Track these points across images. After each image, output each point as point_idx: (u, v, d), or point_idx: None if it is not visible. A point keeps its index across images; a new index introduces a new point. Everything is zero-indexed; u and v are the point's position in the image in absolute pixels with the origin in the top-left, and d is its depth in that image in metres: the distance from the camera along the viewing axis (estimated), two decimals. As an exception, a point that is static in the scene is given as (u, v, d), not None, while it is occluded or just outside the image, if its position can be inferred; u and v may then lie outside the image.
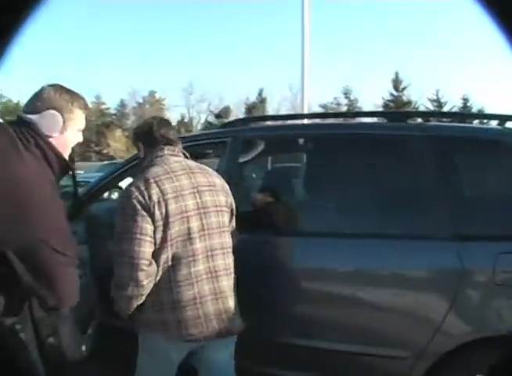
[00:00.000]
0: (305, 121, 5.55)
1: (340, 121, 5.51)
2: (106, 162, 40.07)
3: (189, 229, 3.05)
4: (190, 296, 3.03)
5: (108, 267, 4.48)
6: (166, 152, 3.22)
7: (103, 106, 74.15)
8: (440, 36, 75.08)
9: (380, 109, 56.06)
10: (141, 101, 71.78)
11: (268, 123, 5.29)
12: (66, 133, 2.45)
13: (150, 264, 2.97)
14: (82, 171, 36.73)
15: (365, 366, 3.59)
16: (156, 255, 3.00)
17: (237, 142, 4.11)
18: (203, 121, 71.05)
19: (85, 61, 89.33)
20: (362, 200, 3.91)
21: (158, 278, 3.02)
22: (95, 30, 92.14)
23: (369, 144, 3.97)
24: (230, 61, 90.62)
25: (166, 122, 3.43)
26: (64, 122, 2.42)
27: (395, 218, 3.69)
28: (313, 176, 4.48)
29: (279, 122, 5.54)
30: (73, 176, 4.85)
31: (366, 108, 59.83)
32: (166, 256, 3.00)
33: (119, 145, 61.06)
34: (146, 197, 2.96)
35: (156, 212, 2.95)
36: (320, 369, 3.71)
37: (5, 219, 2.12)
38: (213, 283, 3.10)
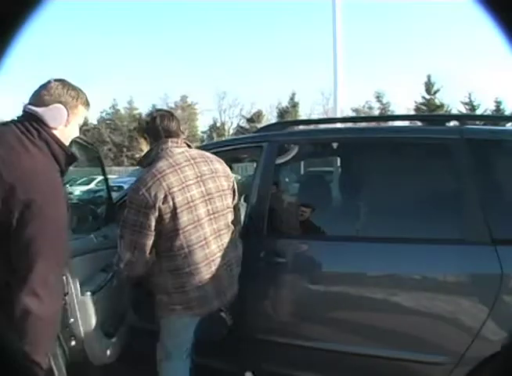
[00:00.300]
0: (339, 125, 5.53)
1: (380, 124, 5.50)
2: (138, 167, 40.42)
3: (197, 216, 3.34)
4: (209, 275, 3.39)
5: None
6: (170, 144, 3.45)
7: (135, 112, 74.68)
8: (472, 38, 74.11)
9: (412, 112, 55.72)
10: (173, 106, 72.12)
11: (304, 127, 5.26)
12: (69, 126, 2.58)
13: (147, 253, 3.31)
14: (115, 176, 37.17)
15: (403, 371, 3.56)
16: (170, 243, 3.31)
17: (273, 147, 4.10)
18: (235, 125, 71.16)
19: (119, 66, 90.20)
20: (399, 204, 3.88)
21: (177, 263, 3.34)
22: (127, 36, 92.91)
23: (408, 148, 3.94)
24: (262, 65, 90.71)
25: (168, 115, 3.62)
26: (68, 116, 2.55)
27: (434, 222, 3.64)
28: (350, 180, 4.46)
29: (315, 126, 5.50)
30: (106, 180, 4.89)
31: (398, 111, 59.54)
32: (180, 243, 3.30)
33: (150, 149, 61.47)
34: (152, 194, 3.21)
35: (163, 206, 3.22)
36: (359, 374, 3.70)
37: (11, 212, 2.19)
38: (223, 258, 3.47)
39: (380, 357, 3.55)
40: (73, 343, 3.51)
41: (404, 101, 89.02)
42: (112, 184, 27.79)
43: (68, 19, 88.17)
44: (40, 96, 2.51)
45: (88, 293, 3.62)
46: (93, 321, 3.68)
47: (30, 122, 2.42)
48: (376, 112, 62.74)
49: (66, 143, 2.57)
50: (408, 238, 3.59)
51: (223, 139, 37.12)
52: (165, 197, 3.22)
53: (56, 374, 3.18)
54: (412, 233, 3.63)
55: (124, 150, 69.53)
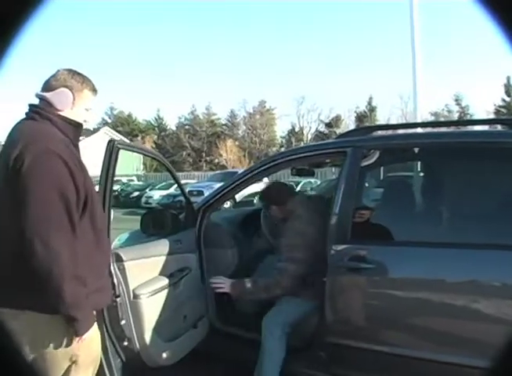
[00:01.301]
0: (420, 130, 5.45)
1: (465, 129, 5.42)
2: (218, 172, 40.92)
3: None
4: None
5: (230, 276, 4.60)
6: (299, 198, 4.68)
7: (214, 117, 75.61)
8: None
9: (492, 115, 54.47)
10: (251, 111, 72.60)
11: (385, 132, 5.21)
12: (75, 109, 2.74)
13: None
14: (194, 181, 37.72)
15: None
16: (315, 261, 4.15)
17: (358, 152, 4.08)
18: (313, 130, 70.96)
19: (196, 73, 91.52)
20: (483, 209, 3.82)
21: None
22: (206, 43, 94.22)
23: (491, 152, 3.84)
24: (340, 70, 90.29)
25: (285, 188, 4.89)
26: (74, 99, 2.72)
27: None
28: (434, 186, 4.39)
29: (393, 132, 5.45)
30: (180, 186, 4.93)
31: (478, 114, 58.24)
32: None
33: (230, 155, 62.13)
34: (310, 234, 4.29)
35: (315, 242, 4.20)
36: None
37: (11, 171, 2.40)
38: None
39: (457, 364, 3.46)
40: (125, 343, 3.60)
41: (483, 104, 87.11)
42: (191, 189, 28.28)
43: (146, 24, 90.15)
44: (48, 83, 2.70)
45: (143, 296, 3.69)
46: (146, 324, 3.74)
47: (33, 108, 2.66)
48: (456, 115, 61.73)
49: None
50: (491, 244, 3.50)
51: (303, 144, 37.06)
52: (313, 232, 4.28)
53: (106, 369, 3.35)
54: (496, 238, 3.54)
55: (203, 154, 70.47)
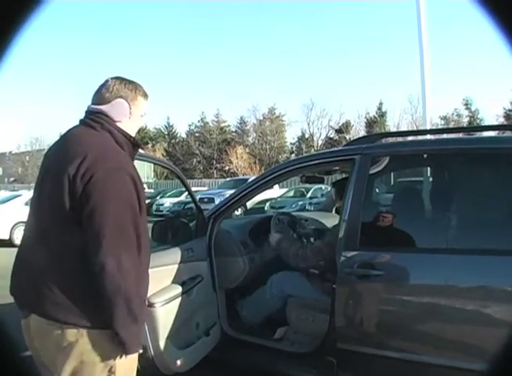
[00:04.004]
0: (429, 137, 5.44)
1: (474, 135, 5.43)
2: (228, 179, 40.90)
3: None
4: None
5: (241, 284, 4.61)
6: None
7: (223, 124, 75.58)
8: None
9: (501, 119, 54.23)
10: (261, 118, 72.47)
11: (394, 139, 5.23)
12: (132, 118, 2.73)
13: None
14: (205, 188, 37.75)
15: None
16: None
17: (366, 160, 4.08)
18: (323, 136, 70.69)
19: (204, 80, 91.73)
20: (492, 216, 3.81)
21: None
22: (214, 48, 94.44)
23: (499, 158, 3.85)
24: (349, 75, 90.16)
25: None
26: (130, 108, 2.70)
27: None
28: (445, 192, 4.38)
29: (403, 138, 5.46)
30: (191, 194, 4.94)
31: (487, 119, 57.92)
32: None
33: (241, 162, 62.02)
34: None
35: None
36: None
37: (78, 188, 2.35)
38: None
39: (469, 370, 3.40)
40: (140, 351, 3.62)
41: (493, 108, 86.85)
42: (202, 196, 28.21)
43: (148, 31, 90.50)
44: (101, 95, 2.66)
45: (158, 304, 3.73)
46: (161, 332, 3.77)
47: (95, 118, 2.61)
48: (465, 120, 61.37)
49: (132, 134, 2.73)
50: (498, 250, 3.49)
51: (313, 151, 36.96)
52: None
53: None
54: (502, 244, 3.53)
55: (214, 162, 70.41)
